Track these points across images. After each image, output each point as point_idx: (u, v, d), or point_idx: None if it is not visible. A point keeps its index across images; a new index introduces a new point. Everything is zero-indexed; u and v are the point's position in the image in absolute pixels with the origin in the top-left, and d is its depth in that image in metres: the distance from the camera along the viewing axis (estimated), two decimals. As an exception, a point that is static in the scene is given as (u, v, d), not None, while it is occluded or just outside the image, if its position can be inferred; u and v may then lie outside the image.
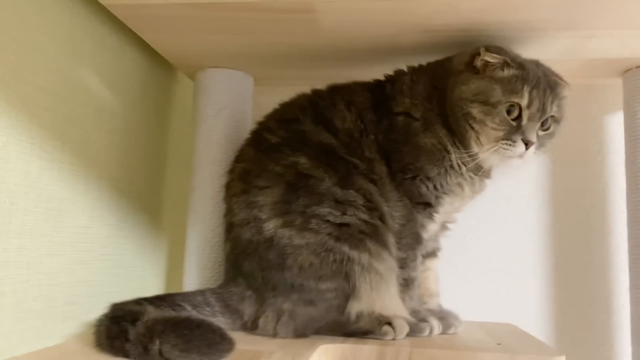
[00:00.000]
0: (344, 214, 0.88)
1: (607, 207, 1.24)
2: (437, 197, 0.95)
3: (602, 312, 1.21)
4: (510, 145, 0.88)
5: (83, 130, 0.92)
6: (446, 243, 1.12)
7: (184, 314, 0.85)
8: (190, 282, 1.11)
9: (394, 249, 0.92)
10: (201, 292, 0.93)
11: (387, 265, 0.90)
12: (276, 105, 1.04)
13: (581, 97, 1.27)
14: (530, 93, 0.87)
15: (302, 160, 0.91)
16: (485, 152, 0.89)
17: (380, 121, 0.95)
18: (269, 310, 0.89)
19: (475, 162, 0.91)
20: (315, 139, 0.94)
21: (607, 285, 1.22)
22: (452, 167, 0.93)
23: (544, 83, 0.88)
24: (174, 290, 1.24)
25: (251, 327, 0.90)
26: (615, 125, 1.25)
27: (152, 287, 1.20)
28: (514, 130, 0.88)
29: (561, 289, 1.23)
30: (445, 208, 0.98)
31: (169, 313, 0.79)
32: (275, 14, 0.89)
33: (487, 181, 1.00)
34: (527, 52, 0.94)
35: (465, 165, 0.93)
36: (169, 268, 1.27)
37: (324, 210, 0.88)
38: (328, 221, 0.87)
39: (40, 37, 0.81)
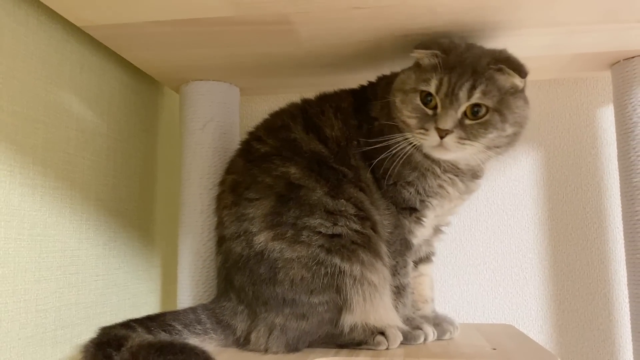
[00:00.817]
0: (335, 224, 0.87)
1: (603, 201, 1.22)
2: (422, 202, 0.93)
3: (602, 307, 1.20)
4: (423, 134, 0.85)
5: (65, 153, 0.92)
6: (441, 244, 1.11)
7: (174, 334, 0.84)
8: (185, 297, 1.11)
9: (387, 259, 0.91)
10: (192, 310, 0.92)
11: (381, 276, 0.89)
12: (266, 115, 1.03)
13: (572, 91, 1.26)
14: (440, 80, 0.84)
15: (293, 170, 0.90)
16: (413, 140, 0.87)
17: (361, 126, 0.94)
18: (261, 325, 0.88)
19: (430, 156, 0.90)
20: (305, 147, 0.93)
21: (606, 280, 1.20)
22: (427, 169, 0.91)
23: (464, 69, 0.83)
24: (169, 306, 1.24)
25: (243, 342, 0.89)
26: (608, 118, 1.24)
27: (147, 304, 1.19)
28: (428, 118, 0.85)
29: (560, 285, 1.22)
30: (435, 211, 0.96)
31: (156, 336, 0.79)
32: (253, 27, 0.88)
33: (478, 181, 0.98)
34: (510, 49, 0.92)
35: (439, 167, 0.91)
36: (163, 284, 1.27)
37: (315, 221, 0.86)
38: (319, 233, 0.86)
39: (15, 64, 0.81)
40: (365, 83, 1.02)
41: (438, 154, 0.87)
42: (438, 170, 0.92)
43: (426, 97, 0.86)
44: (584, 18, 0.87)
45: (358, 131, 0.94)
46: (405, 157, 0.89)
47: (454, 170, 0.92)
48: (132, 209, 1.14)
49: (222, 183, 1.00)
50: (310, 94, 1.03)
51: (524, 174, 1.26)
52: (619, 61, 1.08)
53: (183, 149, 1.15)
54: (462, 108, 0.83)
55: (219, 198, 0.99)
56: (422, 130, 0.85)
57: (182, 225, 1.13)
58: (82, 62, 0.98)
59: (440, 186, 0.93)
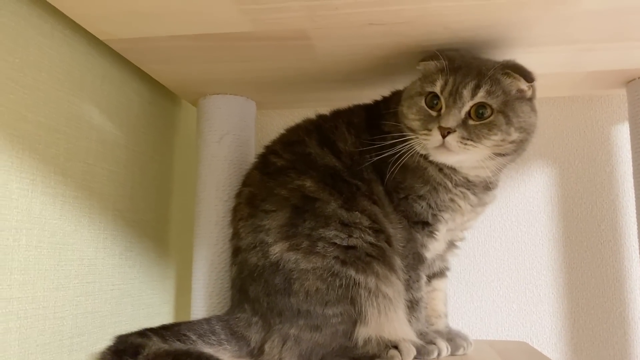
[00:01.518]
0: (350, 236, 0.88)
1: (618, 218, 1.22)
2: (434, 215, 0.93)
3: (617, 326, 1.18)
4: (427, 134, 0.85)
5: (85, 163, 0.94)
6: (455, 260, 1.11)
7: (189, 344, 0.85)
8: (198, 308, 1.11)
9: (401, 272, 0.91)
10: (207, 320, 0.93)
11: (395, 289, 0.89)
12: (281, 129, 1.05)
13: (587, 108, 1.26)
14: (445, 80, 0.85)
15: (308, 184, 0.91)
16: (416, 144, 0.87)
17: (373, 140, 0.95)
18: (275, 335, 0.88)
19: (441, 167, 0.90)
20: (320, 161, 0.95)
21: (622, 298, 1.19)
22: (439, 183, 0.92)
23: (469, 71, 0.85)
24: (182, 317, 1.25)
25: (257, 353, 0.90)
26: (623, 135, 1.24)
27: (161, 314, 1.20)
28: (432, 119, 0.86)
29: (574, 303, 1.21)
30: (448, 225, 0.96)
31: (171, 345, 0.79)
32: (271, 42, 0.90)
33: (491, 193, 0.97)
34: (525, 65, 0.93)
35: (451, 181, 0.91)
36: (177, 295, 1.27)
37: (330, 233, 0.87)
38: (334, 244, 0.87)
39: (40, 75, 0.83)
40: (379, 98, 1.04)
41: (441, 156, 0.87)
42: (449, 184, 0.92)
43: (432, 100, 0.87)
44: (598, 36, 0.88)
45: (370, 145, 0.95)
46: (417, 170, 0.91)
47: (466, 183, 0.93)
48: (148, 219, 1.15)
49: (238, 195, 1.02)
50: (325, 108, 1.05)
51: (538, 191, 1.26)
52: (634, 79, 1.08)
53: (199, 161, 1.16)
54: (466, 107, 0.84)
55: (235, 210, 1.00)
56: (425, 131, 0.86)
57: (197, 237, 1.14)
58: (104, 74, 1.00)
59: (452, 200, 0.93)
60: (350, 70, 1.03)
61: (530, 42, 0.90)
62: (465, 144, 0.83)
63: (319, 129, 1.00)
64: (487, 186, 0.95)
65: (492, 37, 0.88)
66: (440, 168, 0.91)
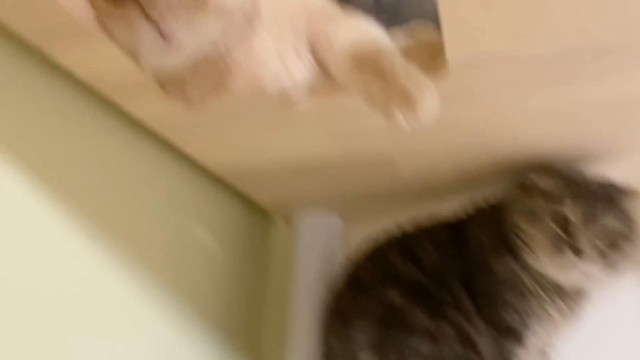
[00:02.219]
0: (437, 345, 0.89)
1: None
2: (523, 324, 0.93)
3: None
4: (556, 254, 0.86)
5: (191, 276, 1.03)
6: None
7: None
8: (291, 422, 1.12)
9: None
10: None
11: None
12: (365, 243, 1.10)
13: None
14: (574, 201, 0.86)
15: (394, 296, 0.95)
16: (540, 265, 0.88)
17: (459, 252, 0.98)
18: None
19: (536, 277, 0.90)
20: (406, 276, 0.98)
21: None
22: (529, 291, 0.92)
23: (593, 192, 0.87)
24: None
25: None
26: None
27: None
28: (561, 239, 0.86)
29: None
30: (539, 334, 0.95)
31: None
32: (357, 164, 0.98)
33: (585, 302, 0.95)
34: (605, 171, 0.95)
35: (542, 289, 0.91)
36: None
37: (416, 342, 0.90)
38: (422, 354, 0.89)
39: (162, 202, 0.96)
40: (460, 212, 1.06)
41: (564, 276, 0.88)
42: (540, 292, 0.92)
43: (561, 220, 0.87)
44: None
45: (457, 256, 0.98)
46: (508, 279, 0.92)
47: (559, 291, 0.92)
48: (242, 331, 1.21)
49: (328, 308, 1.07)
50: (406, 218, 1.10)
51: (633, 299, 1.21)
52: None
53: (292, 276, 1.21)
54: (596, 231, 0.85)
55: (325, 322, 1.05)
56: (554, 250, 0.86)
57: (290, 350, 1.17)
58: (207, 195, 1.12)
59: (543, 308, 0.93)
60: (431, 186, 1.09)
61: (612, 147, 0.93)
62: (592, 266, 0.85)
63: (403, 245, 1.04)
64: (582, 295, 0.94)
65: (575, 148, 0.93)
66: (534, 276, 0.91)
